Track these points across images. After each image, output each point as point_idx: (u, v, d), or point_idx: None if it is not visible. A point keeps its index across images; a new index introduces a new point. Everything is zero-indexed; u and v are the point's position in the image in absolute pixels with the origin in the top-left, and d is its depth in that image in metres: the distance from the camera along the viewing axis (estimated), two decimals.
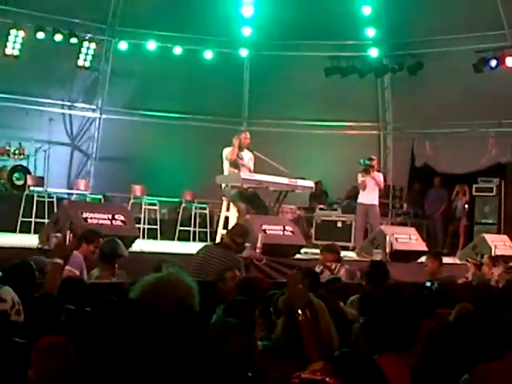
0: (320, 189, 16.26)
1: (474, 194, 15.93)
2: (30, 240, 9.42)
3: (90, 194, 15.29)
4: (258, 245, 9.49)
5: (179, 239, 14.67)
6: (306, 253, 10.94)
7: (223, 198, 11.53)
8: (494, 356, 2.76)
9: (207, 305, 3.76)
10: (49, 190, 13.96)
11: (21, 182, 14.13)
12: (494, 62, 15.34)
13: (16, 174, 14.23)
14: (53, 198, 13.42)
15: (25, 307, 4.22)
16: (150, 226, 14.51)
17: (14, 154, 14.16)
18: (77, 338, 3.39)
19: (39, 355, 3.24)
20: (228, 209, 11.41)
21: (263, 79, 17.24)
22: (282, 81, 17.08)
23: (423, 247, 12.16)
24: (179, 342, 2.91)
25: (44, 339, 3.32)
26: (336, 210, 15.44)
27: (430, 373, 2.81)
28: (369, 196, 12.99)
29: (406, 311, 3.97)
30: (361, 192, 13.15)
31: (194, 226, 15.00)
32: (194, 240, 14.67)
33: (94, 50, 16.15)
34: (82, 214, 9.01)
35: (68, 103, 16.45)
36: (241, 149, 11.44)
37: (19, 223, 12.63)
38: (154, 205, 14.91)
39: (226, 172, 11.40)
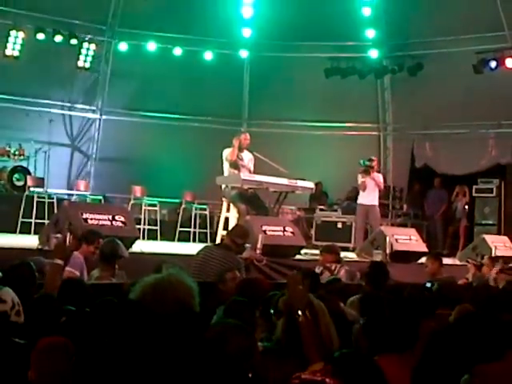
0: (320, 190, 16.27)
1: (474, 194, 15.93)
2: (30, 241, 9.41)
3: (90, 194, 15.29)
4: (258, 246, 9.49)
5: (179, 240, 14.67)
6: (306, 253, 10.93)
7: (223, 199, 11.52)
8: (494, 357, 2.76)
9: (207, 306, 3.76)
10: (49, 190, 13.95)
11: (21, 183, 14.13)
12: (493, 63, 15.34)
13: (16, 175, 14.23)
14: (53, 198, 13.42)
15: (25, 308, 4.22)
16: (150, 227, 14.52)
17: (14, 154, 14.15)
18: (77, 339, 3.40)
19: (39, 356, 3.24)
20: (228, 210, 11.41)
21: (263, 80, 17.25)
22: (282, 82, 17.09)
23: (423, 248, 12.16)
24: (179, 343, 2.91)
25: (44, 340, 3.31)
26: (336, 210, 15.45)
27: (430, 373, 2.82)
28: (369, 197, 12.99)
29: (406, 312, 3.98)
30: (361, 193, 13.15)
31: (194, 227, 15.00)
32: (194, 241, 14.67)
33: (94, 51, 16.16)
34: (82, 214, 9.01)
35: (68, 104, 16.45)
36: (241, 150, 11.45)
37: (19, 224, 12.63)
38: (154, 206, 14.92)
39: (226, 173, 11.40)
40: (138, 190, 15.21)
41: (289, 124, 17.38)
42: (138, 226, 12.40)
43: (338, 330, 3.67)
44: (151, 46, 16.49)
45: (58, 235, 8.29)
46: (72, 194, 15.38)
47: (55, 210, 12.21)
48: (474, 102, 15.75)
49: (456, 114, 16.22)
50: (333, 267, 8.32)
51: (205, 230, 14.98)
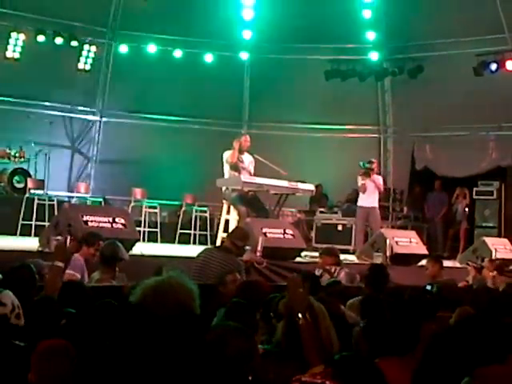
0: (320, 192, 16.27)
1: (474, 197, 15.93)
2: (31, 243, 9.41)
3: (91, 197, 15.31)
4: (259, 248, 9.48)
5: (179, 242, 14.67)
6: (306, 256, 10.93)
7: (224, 201, 11.52)
8: (494, 359, 2.76)
9: (208, 308, 3.76)
10: (49, 192, 13.95)
11: (21, 185, 14.13)
12: (494, 66, 15.35)
13: (16, 177, 14.23)
14: (53, 201, 13.42)
15: (25, 310, 4.22)
16: (151, 229, 14.51)
17: (15, 156, 14.15)
18: (77, 342, 3.39)
19: (39, 358, 3.23)
20: (228, 212, 11.41)
21: (263, 82, 17.25)
22: (283, 84, 17.09)
23: (423, 250, 12.15)
24: (180, 345, 2.91)
25: (44, 342, 3.31)
26: (336, 213, 15.44)
27: (431, 376, 2.81)
28: (369, 199, 12.98)
29: (406, 314, 3.97)
30: (361, 195, 13.14)
31: (195, 229, 15.00)
32: (195, 243, 14.67)
33: (95, 53, 16.18)
34: (82, 217, 9.01)
35: (68, 106, 16.46)
36: (241, 152, 11.44)
37: (19, 226, 12.63)
38: (155, 208, 14.92)
39: (226, 175, 11.40)
40: (138, 192, 15.22)
41: (289, 126, 17.38)
42: (139, 229, 12.41)
43: (338, 333, 3.67)
44: (151, 48, 16.51)
45: (59, 237, 8.28)
46: (72, 197, 15.40)
47: (55, 213, 12.20)
48: (474, 104, 15.75)
49: (456, 117, 16.22)
50: (332, 270, 8.33)
51: (205, 233, 14.98)
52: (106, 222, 9.17)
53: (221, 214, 11.78)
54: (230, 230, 9.98)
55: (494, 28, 15.39)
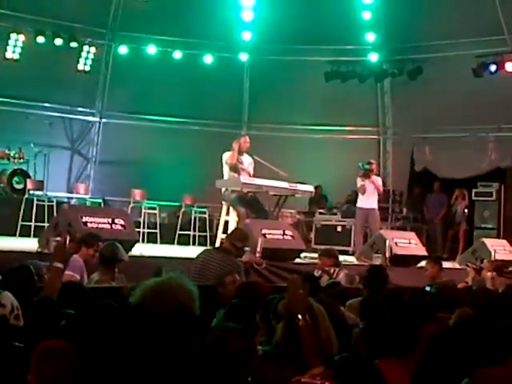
0: (320, 193, 16.26)
1: (473, 198, 15.92)
2: (30, 244, 9.41)
3: (90, 198, 15.30)
4: (258, 249, 9.48)
5: (179, 243, 14.67)
6: (305, 257, 10.93)
7: (223, 203, 11.52)
8: (494, 361, 2.76)
9: (207, 309, 3.75)
10: (48, 193, 13.95)
11: (21, 186, 14.13)
12: (493, 67, 15.36)
13: (16, 178, 14.23)
14: (52, 201, 13.43)
15: (24, 311, 4.22)
16: (150, 230, 14.51)
17: (14, 157, 14.15)
18: (77, 343, 3.39)
19: (39, 359, 3.23)
20: (228, 213, 11.41)
21: (263, 83, 17.25)
22: (282, 85, 17.09)
23: (423, 252, 12.15)
24: (179, 346, 2.91)
25: (44, 343, 3.31)
26: (336, 214, 15.45)
27: (430, 377, 2.81)
28: (368, 200, 12.98)
29: (406, 316, 3.97)
30: (360, 196, 13.14)
31: (194, 230, 15.00)
32: (194, 244, 14.67)
33: (94, 54, 16.18)
34: (81, 218, 9.01)
35: (68, 107, 16.45)
36: (240, 153, 11.44)
37: (19, 227, 12.63)
38: (154, 209, 14.92)
39: (225, 176, 11.40)
40: (137, 194, 15.22)
41: (288, 127, 17.38)
42: (138, 230, 12.41)
43: (337, 334, 3.67)
44: (151, 49, 16.50)
45: (58, 238, 8.27)
46: (72, 198, 15.39)
47: (55, 214, 12.21)
48: (473, 105, 15.75)
49: (456, 118, 16.22)
50: (331, 271, 8.33)
51: (204, 234, 14.98)
52: (105, 223, 9.18)
53: (220, 215, 11.78)
54: (230, 231, 9.97)
55: (494, 29, 15.40)
